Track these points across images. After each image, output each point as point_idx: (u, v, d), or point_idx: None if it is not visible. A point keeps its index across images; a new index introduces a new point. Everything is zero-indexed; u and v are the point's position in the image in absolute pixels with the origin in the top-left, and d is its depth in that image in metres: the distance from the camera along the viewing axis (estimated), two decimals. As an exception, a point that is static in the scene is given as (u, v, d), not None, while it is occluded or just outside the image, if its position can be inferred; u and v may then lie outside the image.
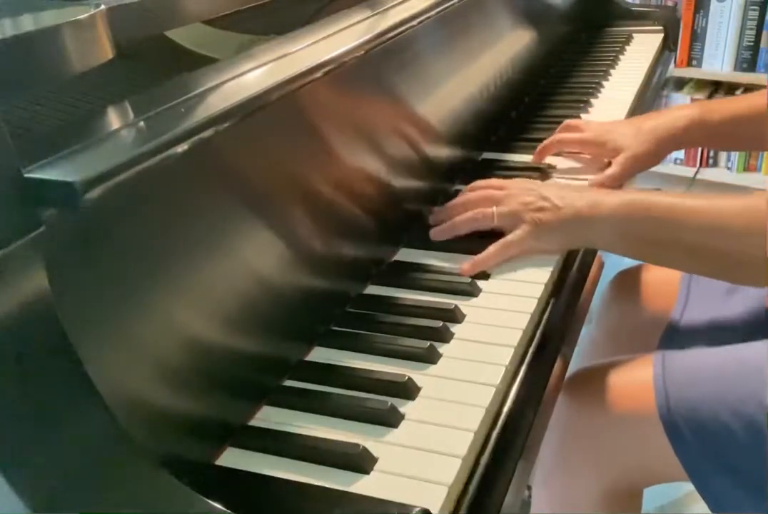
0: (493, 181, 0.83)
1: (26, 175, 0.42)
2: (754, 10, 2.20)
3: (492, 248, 0.75)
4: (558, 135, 0.98)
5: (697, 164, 2.39)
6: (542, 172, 0.94)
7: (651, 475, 0.82)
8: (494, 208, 0.77)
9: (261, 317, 0.59)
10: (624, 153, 0.92)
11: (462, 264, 0.74)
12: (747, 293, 0.83)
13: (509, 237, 0.76)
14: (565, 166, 0.97)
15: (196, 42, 0.74)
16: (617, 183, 0.92)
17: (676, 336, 0.82)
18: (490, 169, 0.96)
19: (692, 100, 2.33)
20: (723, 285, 0.85)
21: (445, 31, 0.92)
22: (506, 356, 0.62)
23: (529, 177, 0.93)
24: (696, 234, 0.69)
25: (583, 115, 1.12)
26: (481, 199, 0.80)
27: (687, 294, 0.89)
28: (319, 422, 0.56)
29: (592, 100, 1.18)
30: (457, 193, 0.91)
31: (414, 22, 0.79)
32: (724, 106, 0.94)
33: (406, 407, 0.57)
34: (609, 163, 0.94)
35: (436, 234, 0.80)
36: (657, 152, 0.93)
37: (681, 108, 1.00)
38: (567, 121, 1.01)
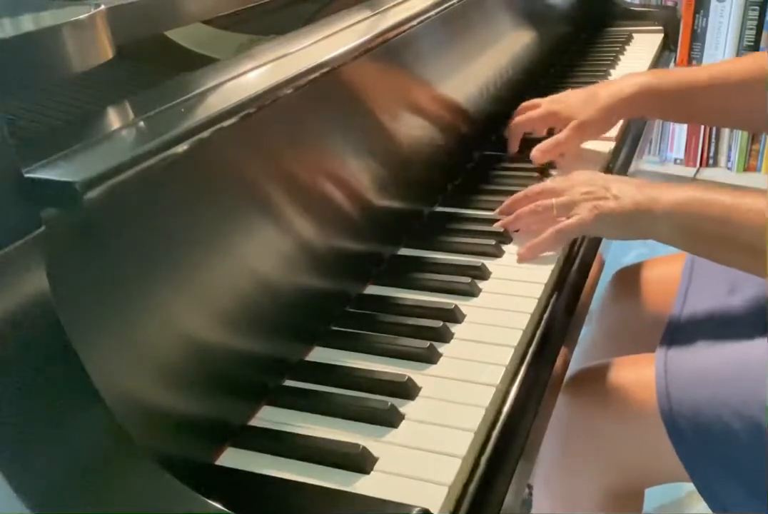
0: (557, 178, 0.84)
1: (26, 175, 0.42)
2: (754, 10, 2.20)
3: (549, 231, 0.76)
4: (513, 121, 1.00)
5: (697, 164, 2.39)
6: (542, 171, 0.94)
7: (652, 475, 0.82)
8: (554, 200, 0.78)
9: (261, 316, 0.59)
10: (573, 121, 0.94)
11: (518, 250, 0.76)
12: (750, 288, 0.83)
13: (567, 222, 0.76)
14: (565, 163, 0.97)
15: (196, 42, 0.74)
16: (562, 148, 0.94)
17: (678, 330, 0.82)
18: (489, 168, 0.97)
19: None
20: (725, 282, 0.85)
21: (446, 31, 0.92)
22: (506, 356, 0.62)
23: (529, 173, 0.93)
24: (752, 234, 0.69)
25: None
26: (543, 191, 0.80)
27: (687, 288, 0.89)
28: (319, 422, 0.56)
29: (592, 100, 1.18)
30: (456, 192, 0.92)
31: (414, 22, 0.79)
32: (680, 74, 0.95)
33: (406, 407, 0.57)
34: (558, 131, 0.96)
35: (499, 227, 0.81)
36: (606, 119, 0.96)
37: (635, 75, 1.00)
38: (523, 104, 1.02)
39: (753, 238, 0.68)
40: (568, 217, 0.77)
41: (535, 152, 0.94)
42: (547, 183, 0.82)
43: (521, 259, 0.76)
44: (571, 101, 0.97)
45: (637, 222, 0.74)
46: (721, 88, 0.92)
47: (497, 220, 0.83)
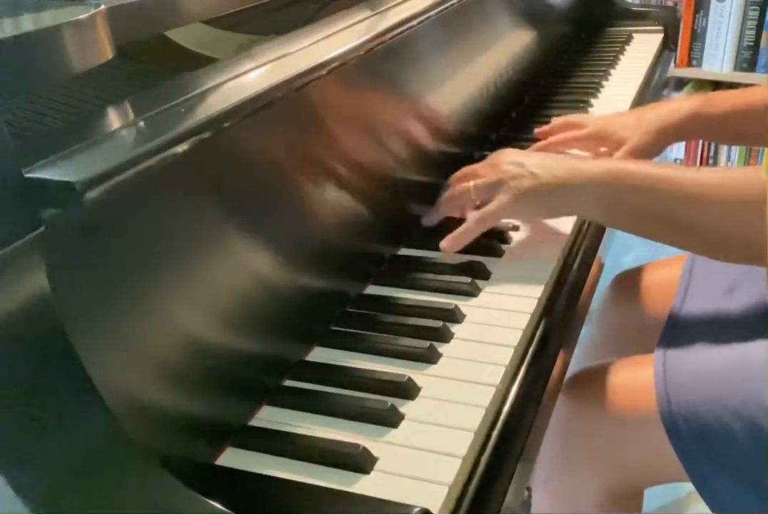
0: (480, 163, 0.81)
1: (26, 175, 0.42)
2: (754, 10, 2.20)
3: (469, 222, 0.75)
4: (557, 136, 0.96)
5: (697, 164, 2.39)
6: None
7: (651, 475, 0.82)
8: (471, 182, 0.76)
9: (261, 317, 0.59)
10: (626, 145, 0.91)
11: (441, 242, 0.75)
12: (748, 289, 0.83)
13: (487, 208, 0.75)
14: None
15: (196, 42, 0.74)
16: None
17: (677, 330, 0.82)
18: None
19: (692, 100, 2.33)
20: (723, 283, 0.85)
21: (445, 31, 0.92)
22: (506, 356, 0.62)
23: None
24: (673, 204, 0.67)
25: (583, 115, 1.12)
26: (461, 176, 0.79)
27: (686, 288, 0.89)
28: (319, 422, 0.56)
29: (592, 100, 1.18)
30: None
31: (414, 22, 0.79)
32: (726, 100, 0.94)
33: (406, 407, 0.57)
34: (610, 155, 0.93)
35: (425, 221, 0.81)
36: (658, 143, 0.93)
37: (683, 100, 0.99)
38: (567, 117, 0.99)
39: (673, 210, 0.67)
40: (489, 200, 0.75)
41: None
42: (470, 166, 0.80)
43: (444, 250, 0.75)
44: (619, 125, 0.95)
45: (556, 197, 0.73)
46: (761, 113, 0.90)
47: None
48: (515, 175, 0.74)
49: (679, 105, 0.94)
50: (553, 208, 0.76)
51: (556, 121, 1.00)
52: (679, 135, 0.95)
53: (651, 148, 0.93)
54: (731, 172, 0.68)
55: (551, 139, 0.96)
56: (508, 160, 0.76)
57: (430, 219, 0.81)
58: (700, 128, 0.94)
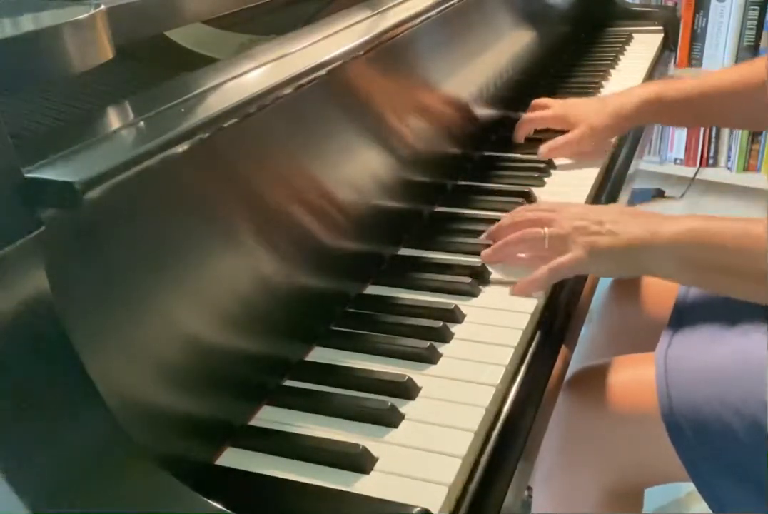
0: (542, 205, 0.80)
1: (26, 175, 0.42)
2: (754, 10, 2.20)
3: (543, 270, 0.71)
4: (525, 116, 1.05)
5: (697, 164, 2.39)
6: (542, 171, 0.94)
7: (652, 475, 0.82)
8: (545, 230, 0.73)
9: (261, 317, 0.59)
10: (582, 125, 0.98)
11: (514, 286, 0.72)
12: None
13: (562, 258, 0.71)
14: (564, 162, 0.98)
15: (196, 42, 0.74)
16: (572, 148, 0.98)
17: (678, 329, 0.82)
18: (489, 168, 0.97)
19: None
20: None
21: (445, 31, 0.92)
22: (506, 356, 0.62)
23: (529, 173, 0.94)
24: (759, 261, 0.65)
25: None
26: (532, 221, 0.75)
27: (688, 287, 0.89)
28: (319, 422, 0.56)
29: (592, 100, 1.18)
30: (456, 192, 0.92)
31: (414, 22, 0.79)
32: (680, 86, 1.00)
33: (406, 407, 0.57)
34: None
35: (486, 256, 0.76)
36: (617, 124, 1.00)
37: (642, 87, 1.08)
38: (535, 101, 1.08)
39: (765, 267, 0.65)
40: (560, 253, 0.72)
41: (544, 149, 0.98)
42: (535, 212, 0.77)
43: (516, 293, 0.71)
44: (581, 108, 1.02)
45: (636, 258, 0.71)
46: (716, 95, 0.97)
47: (497, 220, 0.83)
48: (593, 232, 0.71)
49: (636, 93, 1.02)
50: (629, 268, 0.74)
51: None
52: (639, 117, 1.01)
53: (609, 129, 1.00)
54: None
55: (522, 118, 1.05)
56: (585, 213, 0.74)
57: (492, 256, 0.76)
58: (657, 111, 1.00)
